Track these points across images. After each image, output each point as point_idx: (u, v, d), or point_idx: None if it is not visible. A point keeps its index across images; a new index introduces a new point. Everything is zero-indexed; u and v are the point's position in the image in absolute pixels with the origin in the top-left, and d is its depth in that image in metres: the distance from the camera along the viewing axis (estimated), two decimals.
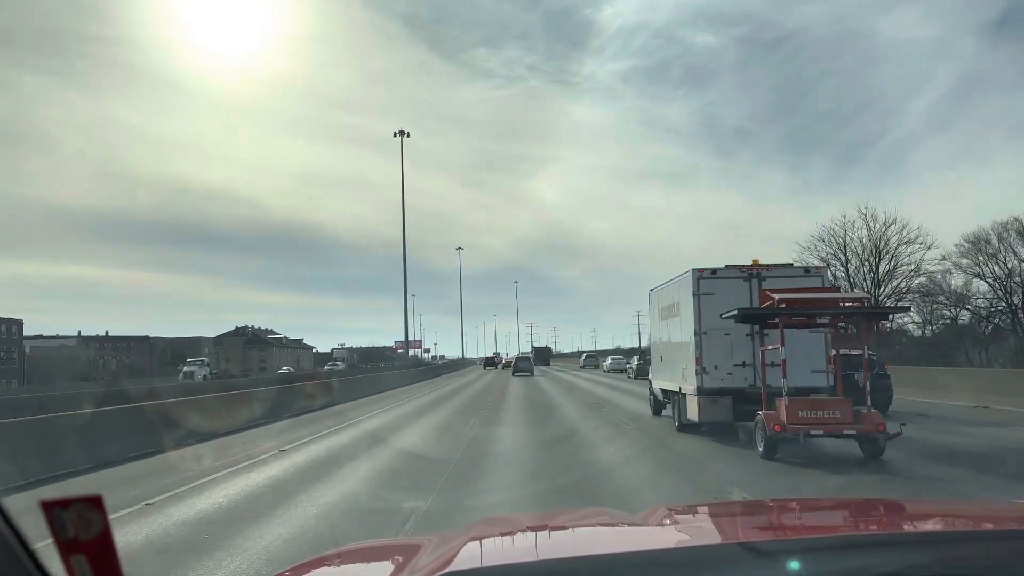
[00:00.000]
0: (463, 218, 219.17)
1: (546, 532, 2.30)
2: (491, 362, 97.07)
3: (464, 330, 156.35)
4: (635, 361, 46.85)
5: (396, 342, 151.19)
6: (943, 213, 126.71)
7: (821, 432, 11.98)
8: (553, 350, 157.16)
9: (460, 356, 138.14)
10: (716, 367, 15.02)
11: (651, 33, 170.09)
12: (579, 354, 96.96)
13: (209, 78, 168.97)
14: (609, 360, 67.15)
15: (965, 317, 46.98)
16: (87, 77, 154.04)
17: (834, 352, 14.35)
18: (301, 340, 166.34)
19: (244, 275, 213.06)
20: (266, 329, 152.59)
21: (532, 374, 56.50)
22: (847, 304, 13.96)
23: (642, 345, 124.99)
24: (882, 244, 46.80)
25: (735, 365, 15.07)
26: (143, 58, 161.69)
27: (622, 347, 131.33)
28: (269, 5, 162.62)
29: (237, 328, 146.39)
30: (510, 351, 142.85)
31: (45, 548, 1.01)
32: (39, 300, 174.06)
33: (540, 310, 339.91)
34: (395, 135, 60.68)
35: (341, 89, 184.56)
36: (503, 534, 2.24)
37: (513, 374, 56.85)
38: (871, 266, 47.36)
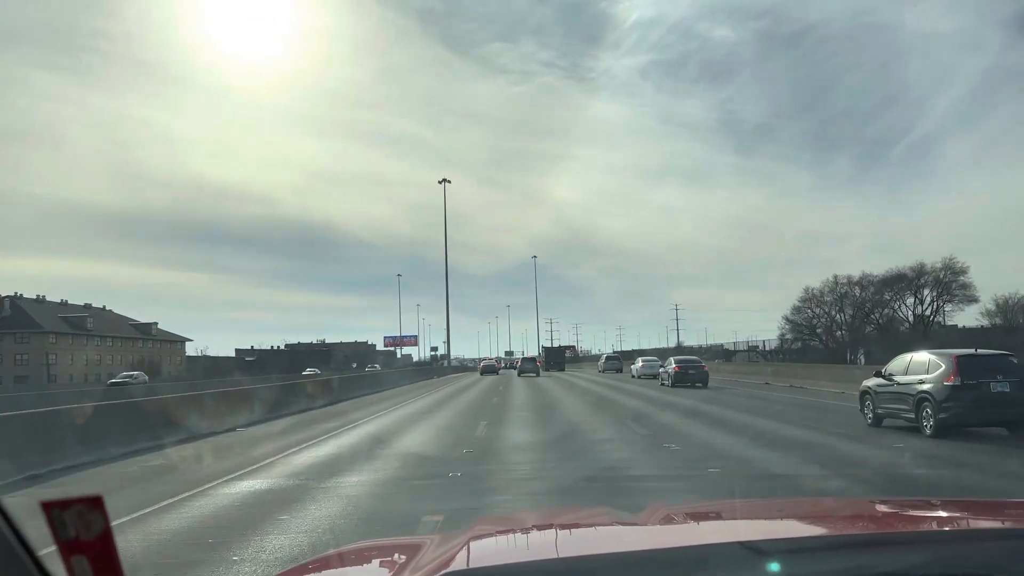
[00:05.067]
0: (478, 217, 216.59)
1: (547, 532, 2.30)
2: (492, 369, 71.30)
3: (476, 327, 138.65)
4: (671, 363, 37.05)
5: (386, 338, 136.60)
6: (968, 210, 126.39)
7: None
8: (577, 349, 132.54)
9: (446, 355, 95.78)
10: None
11: (668, 27, 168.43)
12: (611, 356, 73.55)
13: (223, 75, 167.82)
14: (639, 363, 49.84)
15: None
16: (99, 74, 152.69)
17: None
18: (154, 324, 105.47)
19: (254, 273, 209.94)
20: (85, 305, 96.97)
21: (538, 375, 60.06)
22: None
23: (680, 343, 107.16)
24: None
25: None
26: (156, 55, 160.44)
27: (648, 347, 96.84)
28: (283, 1, 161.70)
29: (2, 297, 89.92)
30: (527, 350, 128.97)
31: (45, 547, 1.01)
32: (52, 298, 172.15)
33: (560, 310, 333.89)
34: None
35: (353, 86, 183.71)
36: (503, 534, 2.23)
37: (518, 375, 60.06)
38: None
